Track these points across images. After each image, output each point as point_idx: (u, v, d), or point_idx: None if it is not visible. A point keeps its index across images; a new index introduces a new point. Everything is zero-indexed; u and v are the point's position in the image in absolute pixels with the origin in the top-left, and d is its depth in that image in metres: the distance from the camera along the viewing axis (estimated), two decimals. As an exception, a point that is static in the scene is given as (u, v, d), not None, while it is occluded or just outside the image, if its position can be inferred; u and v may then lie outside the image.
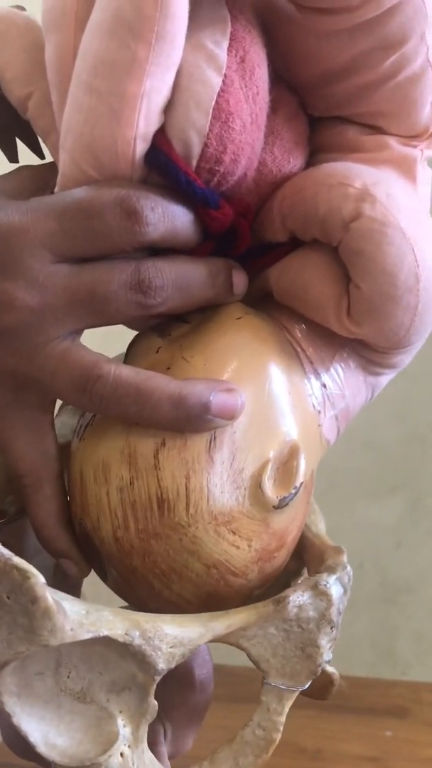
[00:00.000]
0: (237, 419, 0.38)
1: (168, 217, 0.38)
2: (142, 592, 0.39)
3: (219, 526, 0.38)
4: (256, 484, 0.39)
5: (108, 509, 0.39)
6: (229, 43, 0.38)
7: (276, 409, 0.40)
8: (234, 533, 0.39)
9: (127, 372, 0.38)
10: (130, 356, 0.42)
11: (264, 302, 0.43)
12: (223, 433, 0.38)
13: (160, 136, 0.38)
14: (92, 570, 0.42)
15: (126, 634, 0.36)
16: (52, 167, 0.42)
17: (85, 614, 0.36)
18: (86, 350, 0.39)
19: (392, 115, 0.42)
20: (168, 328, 0.41)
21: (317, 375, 0.42)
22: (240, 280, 0.41)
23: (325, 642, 0.39)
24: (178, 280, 0.39)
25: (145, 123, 0.37)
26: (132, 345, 0.42)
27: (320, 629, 0.39)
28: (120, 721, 0.37)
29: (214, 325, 0.41)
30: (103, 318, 0.38)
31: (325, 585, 0.39)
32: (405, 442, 1.04)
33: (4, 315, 0.37)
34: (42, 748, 0.36)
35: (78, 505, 0.40)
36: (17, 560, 0.34)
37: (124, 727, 0.37)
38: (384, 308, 0.39)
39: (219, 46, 0.38)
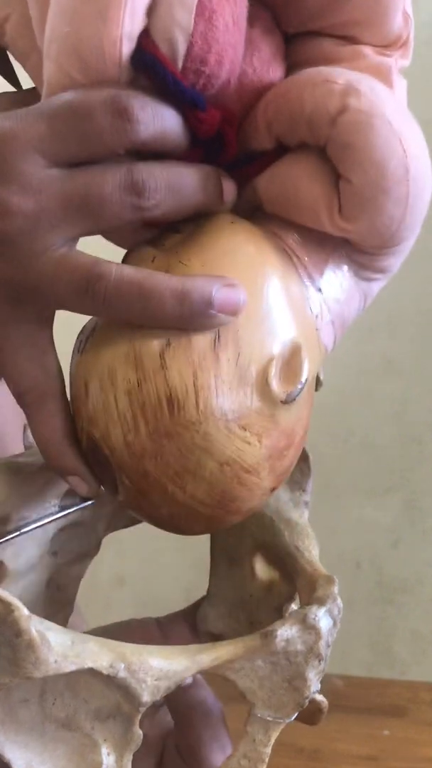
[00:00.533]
0: (239, 316, 0.38)
1: (158, 117, 0.37)
2: (156, 498, 0.39)
3: (229, 423, 0.38)
4: (263, 380, 0.38)
5: (117, 414, 0.38)
6: None
7: (276, 310, 0.39)
8: (245, 429, 0.38)
9: (129, 270, 0.38)
10: None
11: (254, 216, 0.42)
12: (226, 332, 0.38)
13: (146, 37, 0.37)
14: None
15: (111, 666, 0.35)
16: (33, 92, 0.41)
17: (70, 645, 0.35)
18: (84, 254, 0.38)
19: (365, 24, 0.42)
20: (161, 239, 0.41)
21: (312, 280, 0.41)
22: (229, 187, 0.41)
23: (312, 675, 0.38)
24: (171, 182, 0.38)
25: (130, 21, 0.36)
26: (125, 259, 0.42)
27: (308, 662, 0.38)
28: (104, 750, 0.37)
29: (208, 230, 0.40)
30: (99, 222, 0.38)
31: (314, 619, 0.38)
32: (401, 442, 1.04)
33: (0, 222, 0.37)
34: None
35: (84, 418, 0.39)
36: (1, 593, 0.34)
37: (108, 756, 0.37)
38: (375, 200, 0.39)
39: None
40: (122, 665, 0.36)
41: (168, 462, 0.38)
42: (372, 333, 1.04)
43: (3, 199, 0.36)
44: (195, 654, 0.37)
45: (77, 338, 0.41)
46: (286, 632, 0.38)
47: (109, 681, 0.36)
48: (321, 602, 0.39)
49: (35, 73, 0.41)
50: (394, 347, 1.05)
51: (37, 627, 0.34)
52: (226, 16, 0.38)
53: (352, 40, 0.42)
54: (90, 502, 0.46)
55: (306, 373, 0.39)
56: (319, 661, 0.38)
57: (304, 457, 0.47)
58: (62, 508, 0.45)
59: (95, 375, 0.39)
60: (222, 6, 0.38)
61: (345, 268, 0.42)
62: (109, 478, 0.40)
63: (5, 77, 0.45)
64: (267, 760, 0.39)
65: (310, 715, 0.42)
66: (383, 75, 0.42)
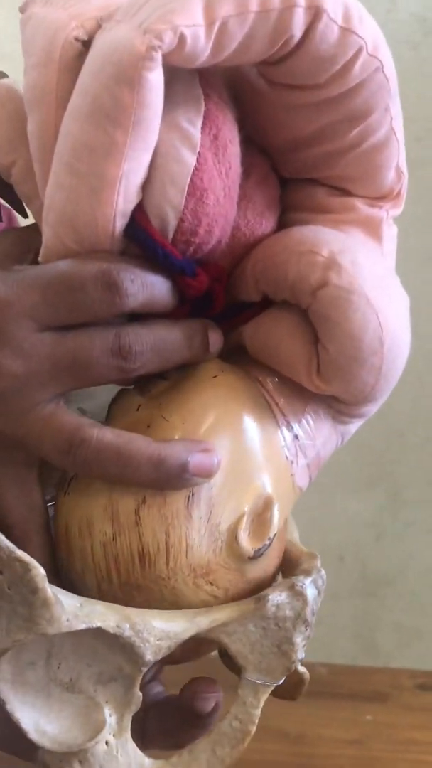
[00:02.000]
0: (214, 477, 0.39)
1: (147, 287, 0.39)
2: None
3: (197, 578, 0.39)
4: (233, 537, 0.39)
5: (92, 562, 0.39)
6: (203, 122, 0.39)
7: (250, 464, 0.41)
8: (212, 584, 0.39)
9: (109, 435, 0.39)
10: (112, 413, 0.43)
11: (238, 355, 0.43)
12: (200, 490, 0.39)
13: (139, 211, 0.38)
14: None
15: (117, 626, 0.37)
16: (35, 229, 0.42)
17: (79, 606, 0.37)
18: (70, 414, 0.39)
19: (358, 179, 0.43)
20: (148, 386, 0.42)
21: (289, 426, 0.42)
22: (216, 339, 0.42)
23: (299, 640, 0.40)
24: (157, 344, 0.39)
25: (123, 201, 0.38)
26: (113, 402, 0.43)
27: (296, 628, 0.40)
28: (107, 711, 0.38)
29: (191, 383, 0.42)
30: (86, 381, 0.39)
31: (302, 586, 0.40)
32: (383, 436, 1.04)
33: None
34: (33, 735, 0.37)
35: (64, 556, 0.41)
36: (20, 553, 0.35)
37: (110, 716, 0.38)
38: (350, 369, 0.40)
39: (193, 125, 0.38)
40: (127, 625, 0.37)
41: None
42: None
43: None
44: (193, 617, 0.39)
45: (62, 474, 0.42)
46: (276, 597, 0.39)
47: (113, 642, 0.37)
48: (307, 573, 0.41)
49: (37, 215, 0.42)
50: None
51: (51, 588, 0.36)
52: (217, 192, 0.39)
53: (345, 192, 0.43)
54: None
55: (275, 528, 0.40)
56: (306, 626, 0.40)
57: None
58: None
59: (75, 521, 0.40)
60: (213, 183, 0.39)
61: (322, 414, 0.43)
62: None
63: (13, 207, 0.46)
64: (257, 721, 0.40)
65: (292, 687, 0.43)
66: (373, 227, 0.43)
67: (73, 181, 0.38)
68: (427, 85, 1.00)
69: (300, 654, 0.40)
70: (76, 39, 0.38)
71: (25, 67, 0.41)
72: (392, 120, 0.41)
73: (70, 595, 0.37)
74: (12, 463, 0.40)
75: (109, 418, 0.42)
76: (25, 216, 0.45)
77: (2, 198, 0.46)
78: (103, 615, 0.37)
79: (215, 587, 0.40)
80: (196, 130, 0.38)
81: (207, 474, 0.39)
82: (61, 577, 0.41)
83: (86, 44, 0.38)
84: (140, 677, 0.38)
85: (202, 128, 0.39)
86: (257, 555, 0.40)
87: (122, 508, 0.39)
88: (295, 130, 0.42)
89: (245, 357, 0.43)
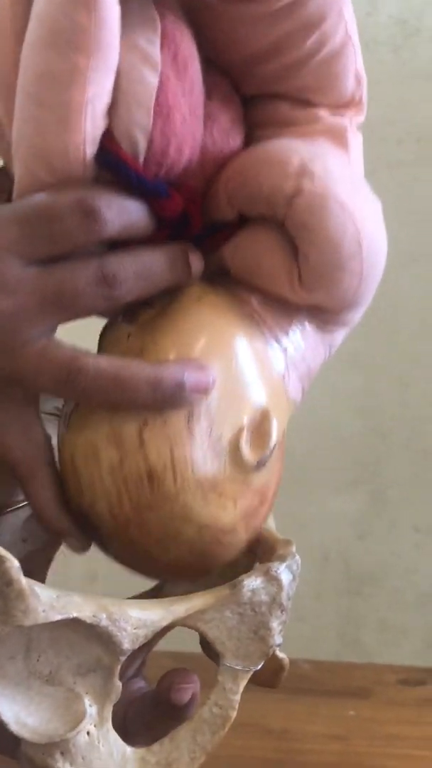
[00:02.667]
0: (210, 393, 0.40)
1: (123, 212, 0.39)
2: (143, 560, 0.41)
3: (205, 492, 0.40)
4: (235, 449, 0.40)
5: (102, 489, 0.40)
6: (161, 41, 0.39)
7: (244, 379, 0.41)
8: (220, 496, 0.40)
9: (105, 362, 0.39)
10: (102, 345, 0.43)
11: (222, 277, 0.43)
12: (199, 407, 0.40)
13: (108, 137, 0.38)
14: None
15: (93, 615, 0.37)
16: (4, 173, 0.42)
17: (55, 598, 0.37)
18: (63, 346, 0.39)
19: (319, 89, 0.43)
20: (135, 315, 0.42)
21: (278, 340, 0.43)
22: (196, 262, 0.42)
23: (276, 625, 0.40)
24: (139, 270, 0.40)
25: (91, 127, 0.38)
26: (103, 334, 0.43)
27: (272, 612, 0.40)
28: (87, 701, 0.38)
29: (177, 307, 0.42)
30: (74, 313, 0.39)
31: (276, 571, 0.40)
32: (367, 436, 1.05)
33: None
34: (14, 727, 0.37)
35: (73, 490, 0.41)
36: None
37: (90, 707, 0.39)
38: (332, 275, 0.40)
39: (152, 44, 0.38)
40: (104, 615, 0.37)
41: (150, 530, 0.40)
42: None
43: None
44: (169, 605, 0.39)
45: (62, 409, 0.42)
46: (251, 583, 0.40)
47: (91, 632, 0.37)
48: (282, 559, 0.41)
49: (6, 156, 0.42)
50: (359, 344, 1.05)
51: (27, 581, 0.36)
52: (183, 110, 0.39)
53: (307, 103, 0.43)
54: None
55: (275, 437, 0.41)
56: (282, 611, 0.40)
57: None
58: None
59: (80, 452, 0.40)
60: (178, 101, 0.39)
61: (308, 325, 0.43)
62: (99, 540, 0.42)
63: None
64: (237, 707, 0.40)
65: (272, 675, 0.44)
66: (339, 136, 0.43)
67: (40, 111, 0.38)
68: (407, 87, 1.01)
69: (277, 639, 0.41)
70: None
71: None
72: (347, 25, 0.41)
73: (47, 587, 0.37)
74: (11, 402, 0.40)
75: (100, 351, 0.42)
76: None
77: None
78: (79, 605, 0.37)
79: (223, 498, 0.40)
80: (155, 49, 0.38)
81: (203, 390, 0.40)
82: (72, 510, 0.41)
83: None
84: (119, 667, 0.38)
85: (161, 47, 0.39)
86: (260, 465, 0.41)
87: (125, 433, 0.39)
88: (252, 44, 0.41)
89: (228, 279, 0.43)
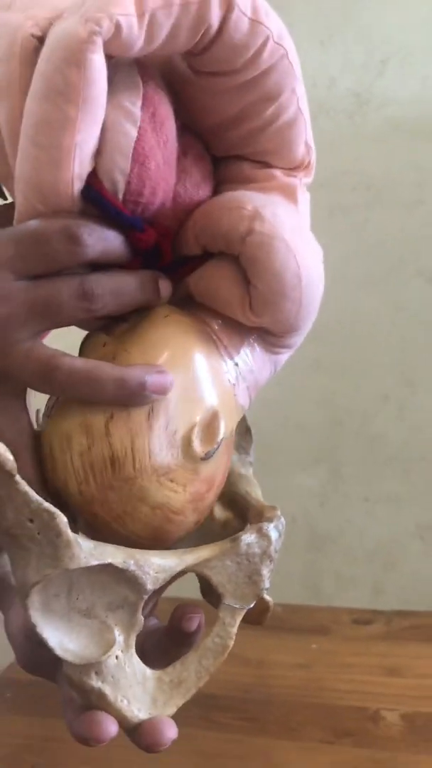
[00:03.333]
0: (168, 394, 0.39)
1: (102, 240, 0.38)
2: (104, 532, 0.40)
3: (160, 477, 0.39)
4: (187, 443, 0.39)
5: (72, 470, 0.39)
6: (142, 102, 0.38)
7: (199, 385, 0.40)
8: (172, 481, 0.39)
9: (79, 362, 0.38)
10: (82, 351, 0.42)
11: (187, 303, 0.43)
12: (159, 405, 0.39)
13: (93, 176, 0.38)
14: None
15: (124, 561, 0.37)
16: (11, 205, 0.41)
17: (93, 547, 0.37)
18: (45, 348, 0.38)
19: (275, 153, 0.42)
20: (112, 327, 0.41)
21: (231, 357, 0.42)
22: (165, 287, 0.41)
23: (266, 572, 0.41)
24: (115, 289, 0.39)
25: (79, 167, 0.37)
26: (84, 342, 0.42)
27: (263, 562, 0.40)
28: (116, 632, 0.38)
29: (147, 322, 0.41)
30: (57, 322, 0.38)
31: (266, 529, 0.41)
32: (326, 424, 1.06)
33: None
34: (58, 651, 0.37)
35: (50, 470, 0.40)
36: (47, 505, 0.35)
37: (119, 636, 0.38)
38: (276, 302, 0.40)
39: (134, 105, 0.38)
40: (132, 561, 0.37)
41: (112, 507, 0.39)
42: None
43: None
44: (182, 554, 0.39)
45: (47, 404, 0.41)
46: (247, 538, 0.40)
47: (120, 576, 0.37)
48: (270, 520, 0.41)
49: (12, 192, 0.41)
50: (321, 350, 1.04)
51: (71, 533, 0.36)
52: (157, 158, 0.38)
53: (265, 164, 0.43)
54: None
55: (222, 434, 0.40)
56: (270, 561, 0.41)
57: (248, 431, 0.49)
58: None
59: (57, 439, 0.39)
60: (153, 152, 0.38)
61: (257, 346, 0.43)
62: (69, 515, 0.40)
63: None
64: (234, 638, 0.41)
65: (259, 613, 0.44)
66: (290, 192, 0.43)
67: (36, 152, 0.37)
68: (360, 146, 1.02)
69: (266, 583, 0.41)
70: (33, 36, 0.37)
71: None
72: (299, 100, 0.41)
73: (85, 538, 0.37)
74: (2, 395, 0.39)
75: (80, 355, 0.42)
76: (5, 198, 0.45)
77: None
78: (112, 554, 0.37)
79: (175, 484, 0.39)
80: (136, 109, 0.38)
81: (162, 391, 0.38)
82: (48, 488, 0.40)
83: (41, 40, 0.37)
84: (142, 604, 0.38)
85: (142, 107, 0.38)
86: (208, 456, 0.40)
87: (95, 423, 0.38)
88: (221, 112, 0.41)
89: (192, 305, 0.43)
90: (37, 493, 0.39)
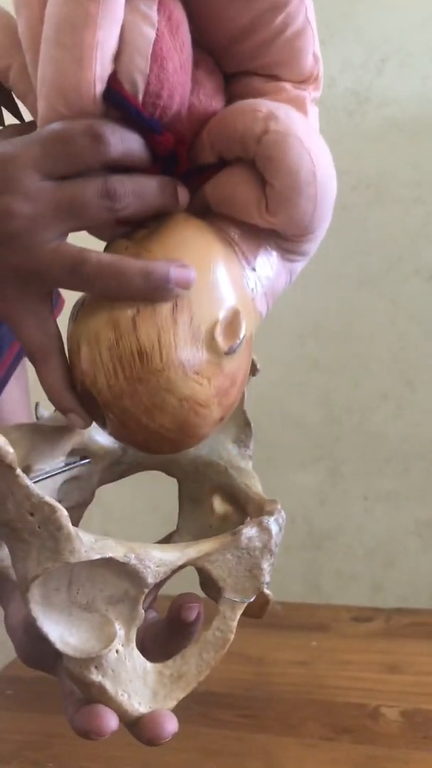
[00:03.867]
0: (192, 290, 0.39)
1: (125, 140, 0.39)
2: (133, 428, 0.40)
3: (186, 369, 0.39)
4: (211, 336, 0.39)
5: (101, 365, 0.39)
6: (158, 5, 0.39)
7: (220, 285, 0.40)
8: (197, 374, 0.39)
9: (106, 256, 0.39)
10: None
11: (204, 214, 0.43)
12: (182, 301, 0.39)
13: (113, 78, 0.38)
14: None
15: (125, 555, 0.37)
16: (32, 125, 0.41)
17: (94, 541, 0.37)
18: (72, 245, 0.39)
19: (284, 64, 0.43)
20: (132, 233, 0.42)
21: (249, 263, 0.42)
22: (183, 193, 0.42)
23: (266, 566, 0.40)
24: (136, 189, 0.39)
25: (100, 67, 0.37)
26: (105, 248, 0.42)
27: (263, 556, 0.40)
28: (117, 625, 0.38)
29: (167, 226, 0.41)
30: (82, 221, 0.39)
31: (267, 523, 0.41)
32: (325, 423, 1.06)
33: (7, 223, 0.38)
34: (59, 645, 0.37)
35: (78, 368, 0.40)
36: (47, 498, 0.35)
37: (119, 630, 0.38)
38: (292, 199, 0.40)
39: (150, 8, 0.38)
40: (133, 555, 0.37)
41: (141, 400, 0.39)
42: (301, 339, 1.04)
43: (8, 205, 0.37)
44: (184, 548, 0.39)
45: (72, 309, 0.42)
46: (248, 531, 0.40)
47: (121, 569, 0.37)
48: (270, 514, 0.41)
49: (33, 109, 0.42)
50: (320, 348, 1.04)
51: (72, 528, 0.35)
52: (174, 62, 0.39)
53: (275, 78, 0.43)
54: (87, 461, 0.47)
55: (244, 330, 0.40)
56: (271, 555, 0.40)
57: (248, 425, 0.49)
58: (67, 464, 0.47)
59: (84, 337, 0.40)
60: (171, 54, 0.39)
61: (274, 253, 0.43)
62: (98, 414, 0.41)
63: (12, 113, 0.46)
64: (234, 631, 0.40)
65: (259, 607, 0.43)
66: (300, 104, 0.43)
67: (59, 52, 0.38)
68: (359, 144, 1.02)
69: (266, 577, 0.41)
70: None
71: None
72: (307, 10, 0.41)
73: (86, 532, 0.37)
74: (28, 298, 0.39)
75: None
76: (22, 120, 0.45)
77: (2, 105, 0.45)
78: (113, 548, 0.37)
79: (200, 376, 0.39)
80: (153, 12, 0.38)
81: (185, 284, 0.39)
82: (77, 391, 0.41)
83: None
84: (143, 598, 0.38)
85: (158, 10, 0.38)
86: (231, 351, 0.40)
87: (122, 319, 0.39)
88: (231, 23, 0.41)
89: (210, 217, 0.43)
90: (68, 395, 0.40)
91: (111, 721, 0.38)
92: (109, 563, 0.37)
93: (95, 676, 0.38)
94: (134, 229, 0.42)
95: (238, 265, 0.42)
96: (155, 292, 0.38)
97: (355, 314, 1.03)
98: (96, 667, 0.38)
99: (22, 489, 0.35)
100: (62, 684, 0.42)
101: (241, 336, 0.40)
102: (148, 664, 0.40)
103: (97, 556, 0.36)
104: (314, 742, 0.73)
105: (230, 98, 0.44)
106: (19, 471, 0.35)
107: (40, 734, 0.76)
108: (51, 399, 0.41)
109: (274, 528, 0.41)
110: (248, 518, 0.44)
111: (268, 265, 0.43)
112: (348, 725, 0.75)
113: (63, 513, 0.35)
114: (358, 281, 1.04)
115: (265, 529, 0.41)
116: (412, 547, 1.04)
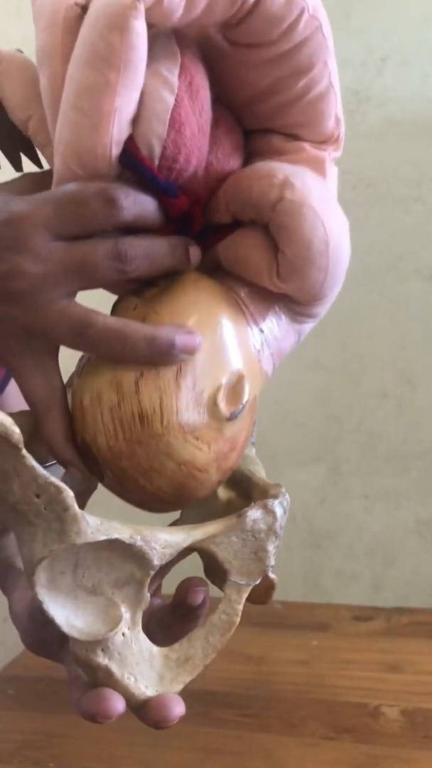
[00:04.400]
0: (196, 354, 0.39)
1: (138, 203, 0.39)
2: (131, 488, 0.40)
3: (186, 434, 0.39)
4: (213, 402, 0.39)
5: (102, 425, 0.39)
6: (180, 71, 0.39)
7: (226, 348, 0.40)
8: (197, 439, 0.39)
9: (112, 320, 0.39)
10: (114, 313, 0.42)
11: (216, 272, 0.43)
12: (186, 365, 0.39)
13: (130, 141, 0.38)
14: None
15: (130, 537, 0.37)
16: (49, 174, 0.42)
17: (100, 523, 0.37)
18: (79, 306, 0.39)
19: (306, 126, 0.43)
20: (142, 291, 0.42)
21: (257, 324, 0.42)
22: (195, 252, 0.42)
23: (271, 548, 0.41)
24: (147, 251, 0.39)
25: (117, 132, 0.38)
26: (115, 305, 0.43)
27: (268, 538, 0.40)
28: (123, 608, 0.38)
29: (176, 287, 0.41)
30: (91, 282, 0.39)
31: (272, 505, 0.41)
32: (326, 422, 1.06)
33: (17, 282, 0.38)
34: (65, 628, 0.37)
35: (79, 425, 0.40)
36: (54, 479, 0.35)
37: (125, 613, 0.38)
38: (303, 268, 0.40)
39: (171, 73, 0.39)
40: (139, 536, 0.37)
41: (139, 462, 0.39)
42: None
43: (18, 264, 0.38)
44: (189, 530, 0.39)
45: (78, 363, 0.42)
46: (253, 514, 0.40)
47: (127, 551, 0.37)
48: (275, 497, 0.41)
49: (51, 160, 0.42)
50: (320, 347, 1.03)
51: (78, 508, 0.35)
52: (192, 126, 0.39)
53: (296, 137, 0.43)
54: None
55: (246, 396, 0.40)
56: (276, 537, 0.40)
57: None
58: None
59: (88, 394, 0.40)
60: (189, 119, 0.39)
61: (282, 314, 0.43)
62: (97, 469, 0.41)
63: (30, 159, 0.46)
64: (240, 614, 0.40)
65: (264, 592, 0.43)
66: (319, 165, 0.43)
67: (77, 116, 0.38)
68: (359, 143, 1.02)
69: (271, 560, 0.41)
70: (77, 4, 0.39)
71: (36, 33, 0.41)
72: (330, 74, 0.42)
73: (91, 515, 0.37)
74: (35, 352, 0.40)
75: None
76: (40, 166, 0.45)
77: (22, 152, 0.46)
78: (119, 529, 0.37)
79: (200, 442, 0.40)
80: (173, 77, 0.39)
81: (190, 350, 0.39)
82: (78, 445, 0.41)
83: (84, 9, 0.38)
84: (148, 580, 0.38)
85: (179, 76, 0.39)
86: (233, 417, 0.40)
87: (125, 381, 0.39)
88: (254, 85, 0.41)
89: (221, 274, 0.43)
90: (68, 448, 0.40)
91: (118, 704, 0.38)
92: (114, 546, 0.37)
93: (102, 659, 0.38)
94: (145, 286, 0.42)
95: (245, 326, 0.42)
96: (159, 357, 0.39)
97: (355, 313, 1.03)
98: (102, 650, 0.38)
99: (29, 470, 0.35)
100: (67, 669, 0.42)
101: (244, 401, 0.40)
102: (155, 648, 0.40)
103: (103, 538, 0.36)
104: (315, 741, 0.73)
105: (249, 154, 0.44)
106: (25, 452, 0.35)
107: (41, 733, 0.76)
108: (51, 450, 0.41)
109: (278, 510, 0.41)
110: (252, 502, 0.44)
111: (276, 326, 0.43)
112: (348, 724, 0.75)
113: (69, 494, 0.35)
114: (358, 280, 1.04)
115: (270, 512, 0.41)
116: (413, 547, 1.05)
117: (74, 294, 0.39)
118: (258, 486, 0.45)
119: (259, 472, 0.46)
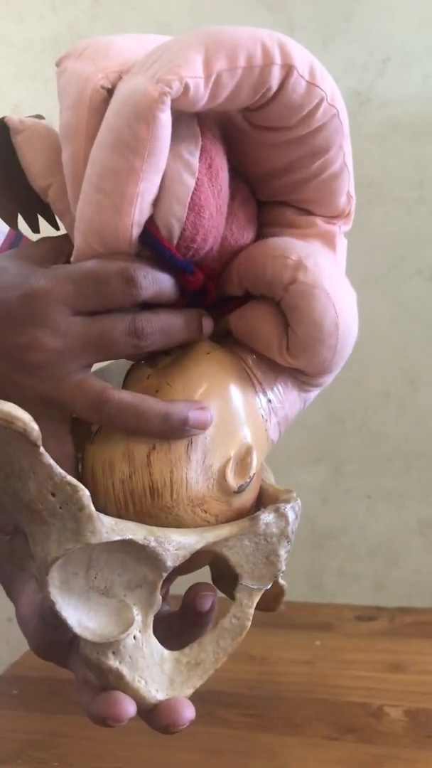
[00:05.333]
0: (208, 429, 0.40)
1: (156, 282, 0.40)
2: None
3: (195, 507, 0.40)
4: (222, 476, 0.40)
5: (113, 495, 0.40)
6: (200, 153, 0.40)
7: (235, 420, 0.41)
8: (206, 512, 0.40)
9: (127, 396, 0.40)
10: (127, 381, 0.43)
11: (226, 339, 0.44)
12: (197, 439, 0.40)
13: (150, 222, 0.39)
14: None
15: (144, 538, 0.37)
16: (66, 238, 0.43)
17: (114, 523, 0.37)
18: (96, 380, 0.40)
19: (318, 202, 0.44)
20: (156, 360, 0.43)
21: (264, 393, 0.43)
22: (208, 324, 0.43)
23: (283, 552, 0.41)
24: (163, 327, 0.40)
25: (139, 214, 0.39)
26: (129, 373, 0.44)
27: (280, 542, 0.41)
28: (135, 611, 0.38)
29: (189, 358, 0.42)
30: (108, 356, 0.40)
31: (284, 509, 0.41)
32: (328, 422, 1.06)
33: (35, 354, 0.39)
34: (77, 629, 0.37)
35: (90, 492, 0.40)
36: (70, 478, 0.36)
37: (137, 615, 0.38)
38: (313, 347, 0.41)
39: (193, 156, 0.39)
40: (152, 538, 0.37)
41: None
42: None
43: (38, 339, 0.38)
44: (202, 532, 0.39)
45: (91, 428, 0.42)
46: (266, 518, 0.40)
47: (141, 553, 0.37)
48: (287, 501, 0.42)
49: (69, 228, 0.43)
50: None
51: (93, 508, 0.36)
52: (211, 208, 0.40)
53: (308, 212, 0.45)
54: None
55: (254, 469, 0.41)
56: (287, 542, 0.41)
57: None
58: None
59: (99, 464, 0.40)
60: (209, 202, 0.40)
61: (289, 383, 0.44)
62: None
63: (48, 222, 0.47)
64: (251, 619, 0.41)
65: (273, 598, 0.44)
66: (329, 239, 0.44)
67: (100, 197, 0.39)
68: (361, 144, 1.01)
69: (283, 565, 0.41)
70: (102, 87, 0.39)
71: (60, 109, 0.42)
72: (345, 156, 0.43)
73: (107, 516, 0.38)
74: (51, 420, 0.40)
75: (125, 385, 0.43)
76: (57, 229, 0.46)
77: (40, 214, 0.47)
78: (133, 530, 0.37)
79: (208, 514, 0.40)
80: (195, 160, 0.40)
81: (203, 426, 0.40)
82: None
83: (110, 92, 0.39)
84: (161, 582, 0.38)
85: (200, 158, 0.40)
86: (240, 490, 0.41)
87: (137, 453, 0.40)
88: (271, 163, 0.43)
89: (231, 340, 0.45)
90: None
91: (129, 708, 0.38)
92: (127, 547, 0.37)
93: (113, 662, 0.38)
94: (159, 355, 0.43)
95: (253, 395, 0.43)
96: (172, 432, 0.40)
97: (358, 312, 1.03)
98: (113, 652, 0.38)
99: (45, 468, 0.35)
100: (76, 673, 0.43)
101: (252, 474, 0.41)
102: (165, 652, 0.40)
103: (118, 538, 0.37)
104: (318, 741, 0.73)
105: (262, 224, 0.45)
106: (42, 450, 0.35)
107: (45, 734, 0.76)
108: None
109: (290, 515, 0.41)
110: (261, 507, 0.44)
111: (283, 394, 0.44)
112: (352, 724, 0.75)
113: (85, 493, 0.36)
114: (360, 281, 1.03)
115: (282, 516, 0.41)
116: (415, 546, 1.05)
117: (91, 366, 0.40)
118: (268, 492, 0.45)
119: (269, 478, 0.47)
